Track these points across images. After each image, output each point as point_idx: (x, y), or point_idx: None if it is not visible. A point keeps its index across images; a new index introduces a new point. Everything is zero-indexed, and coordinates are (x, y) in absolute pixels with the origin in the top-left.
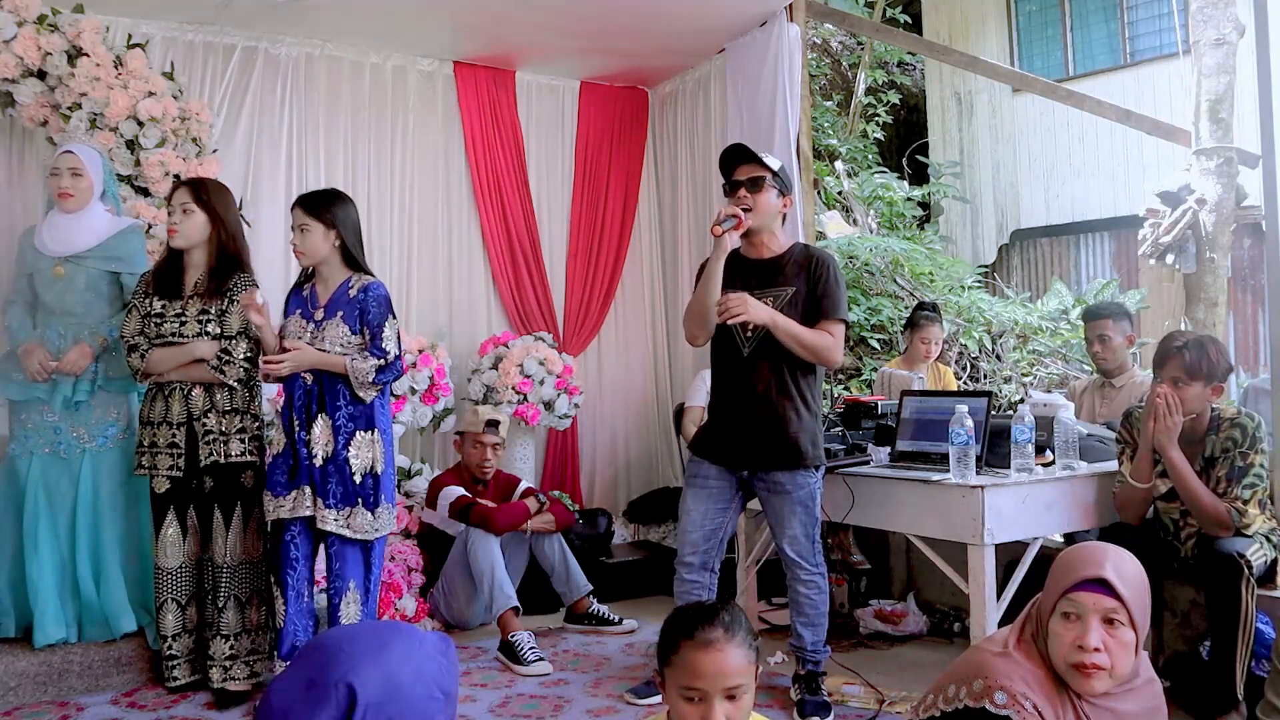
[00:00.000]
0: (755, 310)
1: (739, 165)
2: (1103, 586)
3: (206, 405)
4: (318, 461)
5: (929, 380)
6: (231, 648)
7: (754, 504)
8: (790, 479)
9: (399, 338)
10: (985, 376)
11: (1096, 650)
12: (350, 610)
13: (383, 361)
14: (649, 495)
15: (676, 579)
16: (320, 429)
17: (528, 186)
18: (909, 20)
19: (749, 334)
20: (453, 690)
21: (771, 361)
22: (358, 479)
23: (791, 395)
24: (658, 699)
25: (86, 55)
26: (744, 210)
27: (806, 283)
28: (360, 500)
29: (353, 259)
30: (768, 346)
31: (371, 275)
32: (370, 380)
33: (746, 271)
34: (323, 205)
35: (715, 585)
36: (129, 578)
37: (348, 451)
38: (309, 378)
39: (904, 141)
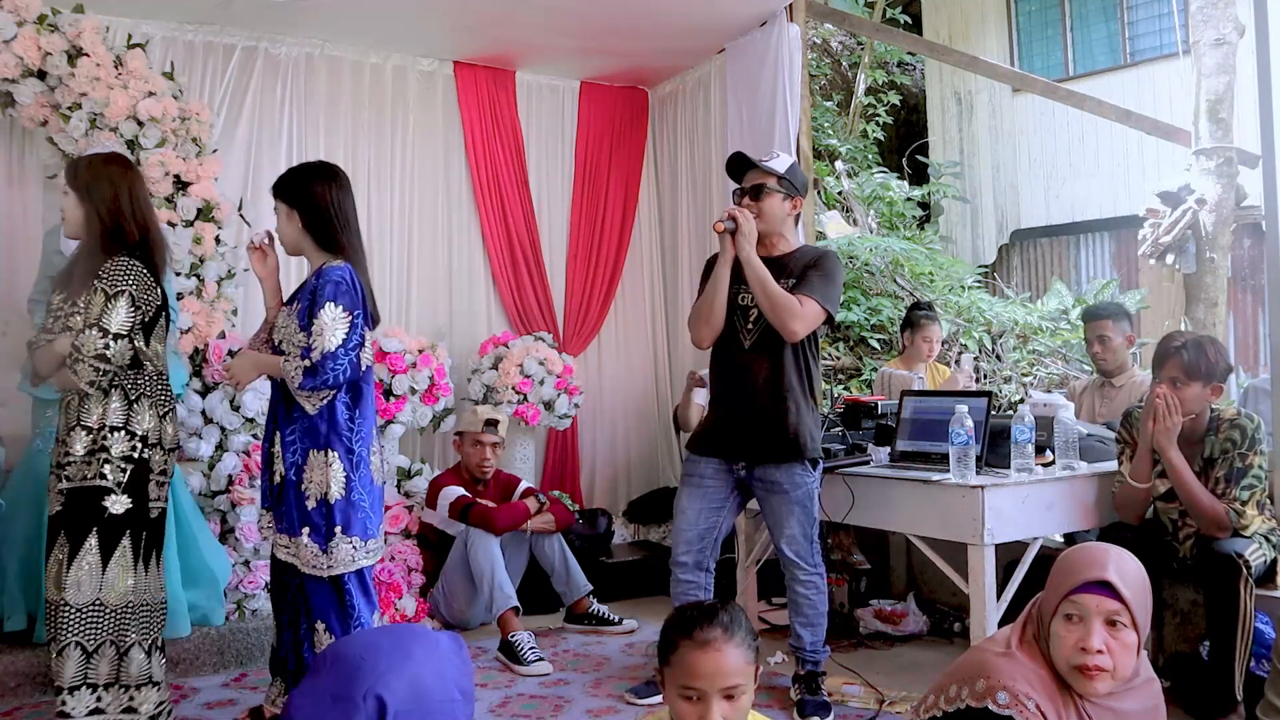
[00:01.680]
0: (747, 238)
1: (746, 171)
2: (1105, 588)
3: (73, 419)
4: (275, 479)
5: (928, 380)
6: (64, 703)
7: (754, 504)
8: (788, 478)
9: (346, 329)
10: (985, 376)
11: (1099, 652)
12: None
13: (307, 362)
14: (649, 495)
15: (672, 579)
16: (276, 443)
17: (528, 186)
18: (909, 20)
19: (750, 326)
20: (470, 689)
21: (771, 355)
22: (310, 504)
23: (790, 388)
24: (658, 699)
25: (86, 55)
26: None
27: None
28: (308, 530)
29: (327, 241)
30: (768, 341)
31: (342, 258)
32: (297, 386)
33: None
34: (284, 183)
35: (711, 585)
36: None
37: (295, 473)
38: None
39: (904, 141)
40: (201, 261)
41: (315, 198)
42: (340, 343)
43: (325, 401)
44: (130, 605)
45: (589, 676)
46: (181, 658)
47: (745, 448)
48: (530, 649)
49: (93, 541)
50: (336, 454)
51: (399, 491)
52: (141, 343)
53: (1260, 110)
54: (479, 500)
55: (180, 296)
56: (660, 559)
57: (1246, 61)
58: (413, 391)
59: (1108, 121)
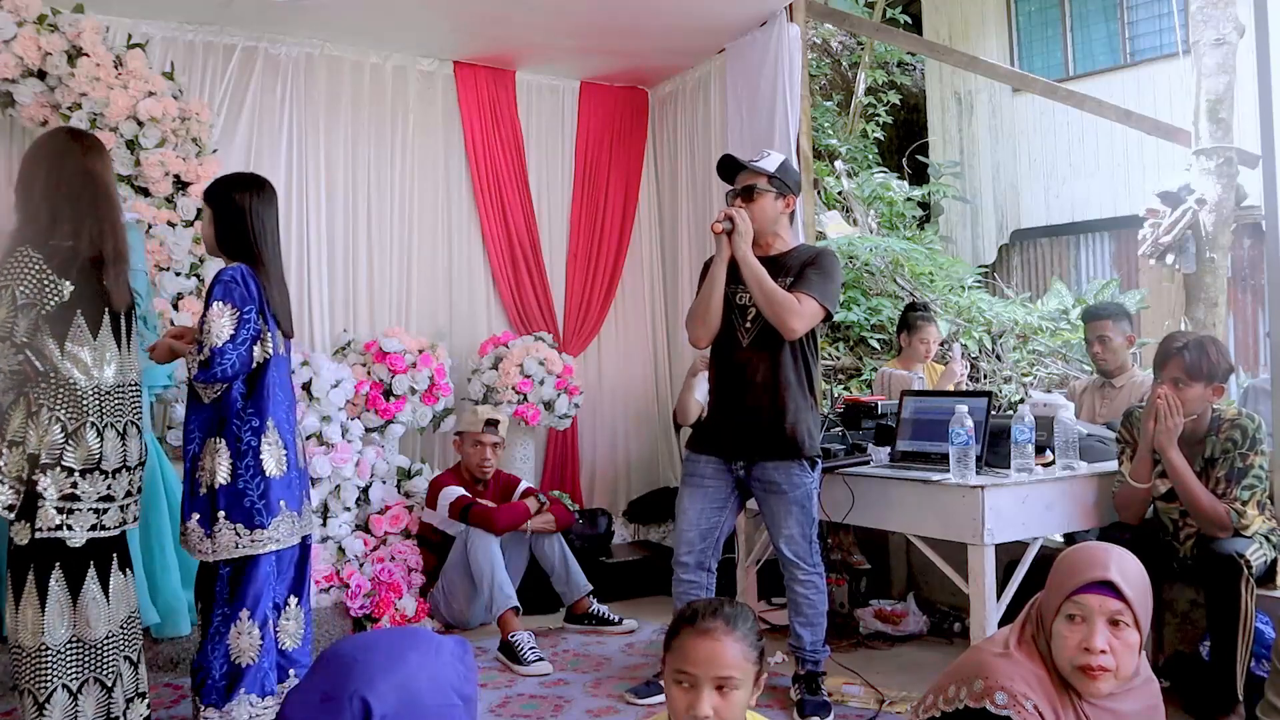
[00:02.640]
0: (742, 237)
1: (737, 172)
2: (1108, 588)
3: None
4: (188, 465)
5: (927, 379)
6: None
7: (753, 503)
8: (786, 478)
9: (234, 325)
10: (985, 376)
11: (1103, 652)
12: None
13: (201, 356)
14: (649, 495)
15: (674, 579)
16: (184, 437)
17: (528, 186)
18: (909, 20)
19: (748, 325)
20: (471, 694)
21: (770, 352)
22: (202, 490)
23: (788, 387)
24: (658, 699)
25: (86, 55)
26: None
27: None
28: (197, 515)
29: (237, 247)
30: (766, 338)
31: (239, 263)
32: (193, 378)
33: None
34: (210, 188)
35: (713, 585)
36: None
37: (192, 461)
38: None
39: (904, 141)
40: (201, 261)
41: (233, 204)
42: (228, 338)
43: (219, 393)
44: (44, 647)
45: (589, 676)
46: (182, 657)
47: (743, 446)
48: (530, 649)
49: (6, 573)
50: (225, 441)
51: (399, 491)
52: (50, 345)
53: (1260, 110)
54: (479, 500)
55: (180, 296)
56: (660, 559)
57: (1246, 61)
58: (413, 391)
59: (1108, 121)
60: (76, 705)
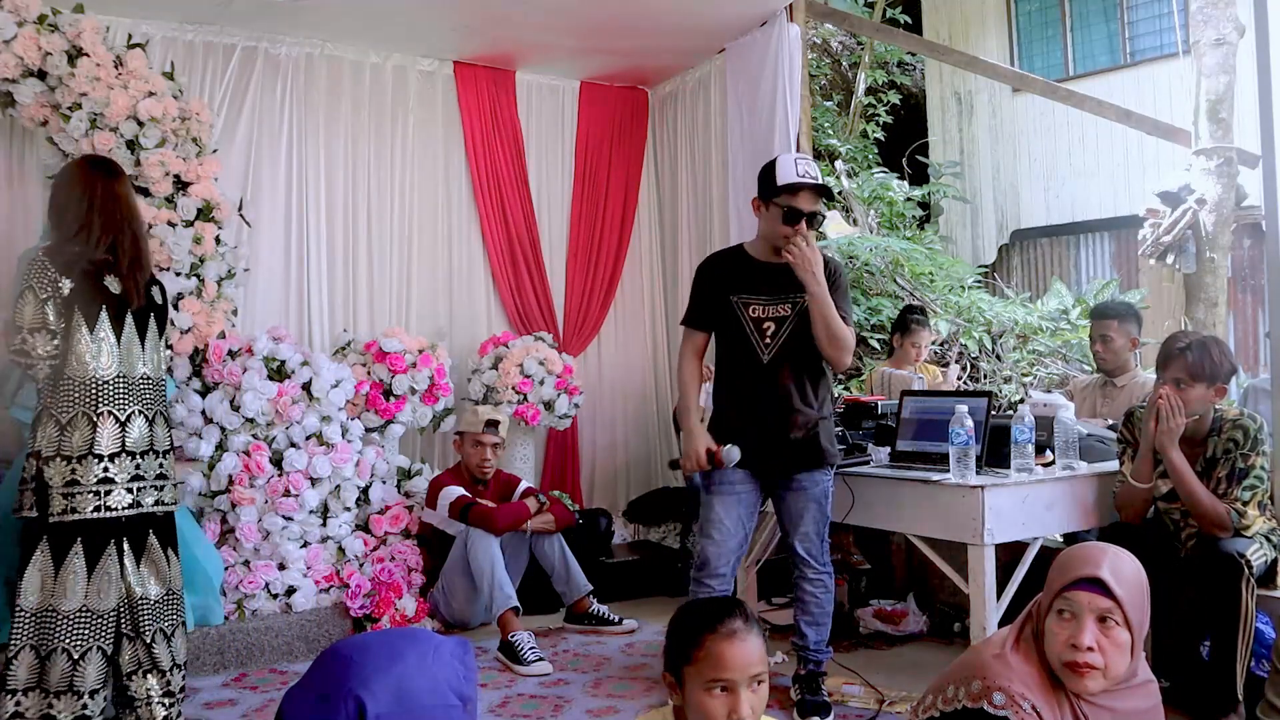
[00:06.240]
0: (816, 276)
1: (804, 191)
2: (1098, 586)
3: None
4: None
5: (926, 380)
6: None
7: None
8: (808, 477)
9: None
10: (985, 376)
11: (1090, 650)
12: None
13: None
14: (649, 495)
15: (698, 586)
16: None
17: (528, 186)
18: (909, 20)
19: (768, 341)
20: (471, 695)
21: (791, 367)
22: None
23: (809, 399)
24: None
25: (86, 55)
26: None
27: None
28: None
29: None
30: (786, 352)
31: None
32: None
33: (758, 276)
34: None
35: (731, 588)
36: None
37: None
38: None
39: (904, 141)
40: (201, 261)
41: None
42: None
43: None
44: (19, 608)
45: (589, 676)
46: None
47: (774, 462)
48: (530, 649)
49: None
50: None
51: (399, 491)
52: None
53: (1260, 110)
54: (479, 500)
55: (180, 296)
56: (660, 559)
57: (1246, 61)
58: (413, 391)
59: (1108, 121)
60: (42, 668)
